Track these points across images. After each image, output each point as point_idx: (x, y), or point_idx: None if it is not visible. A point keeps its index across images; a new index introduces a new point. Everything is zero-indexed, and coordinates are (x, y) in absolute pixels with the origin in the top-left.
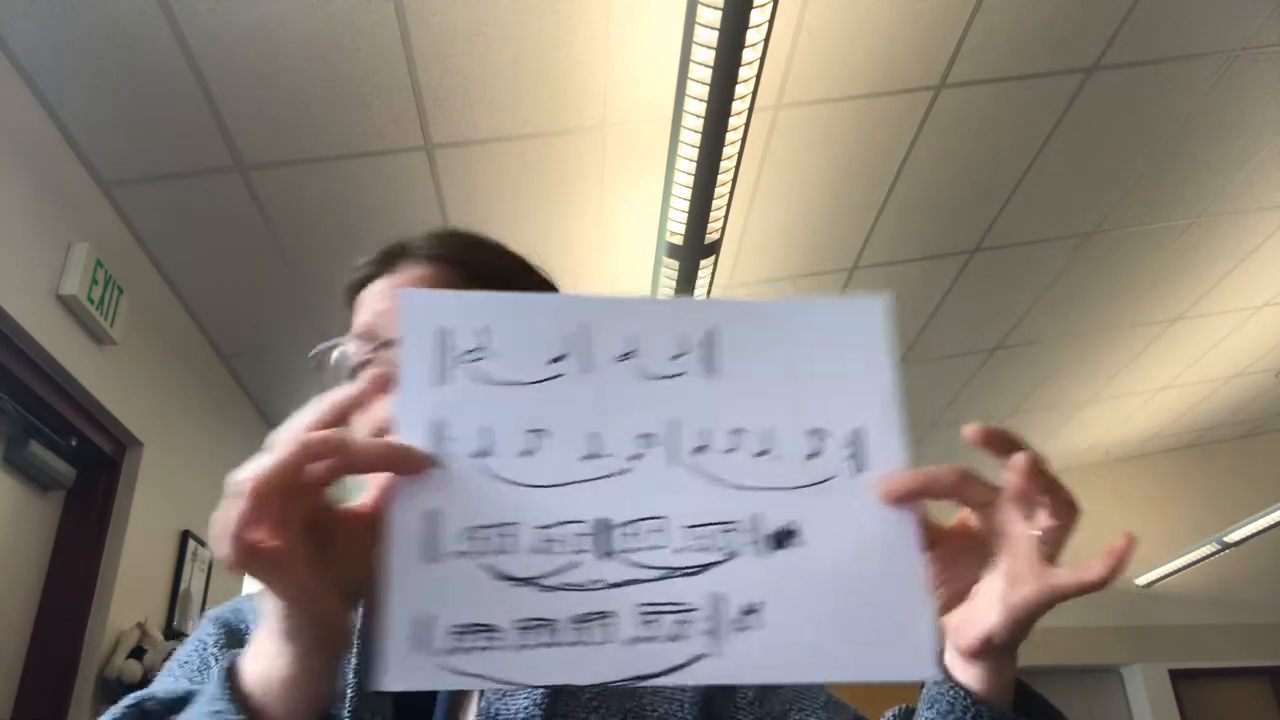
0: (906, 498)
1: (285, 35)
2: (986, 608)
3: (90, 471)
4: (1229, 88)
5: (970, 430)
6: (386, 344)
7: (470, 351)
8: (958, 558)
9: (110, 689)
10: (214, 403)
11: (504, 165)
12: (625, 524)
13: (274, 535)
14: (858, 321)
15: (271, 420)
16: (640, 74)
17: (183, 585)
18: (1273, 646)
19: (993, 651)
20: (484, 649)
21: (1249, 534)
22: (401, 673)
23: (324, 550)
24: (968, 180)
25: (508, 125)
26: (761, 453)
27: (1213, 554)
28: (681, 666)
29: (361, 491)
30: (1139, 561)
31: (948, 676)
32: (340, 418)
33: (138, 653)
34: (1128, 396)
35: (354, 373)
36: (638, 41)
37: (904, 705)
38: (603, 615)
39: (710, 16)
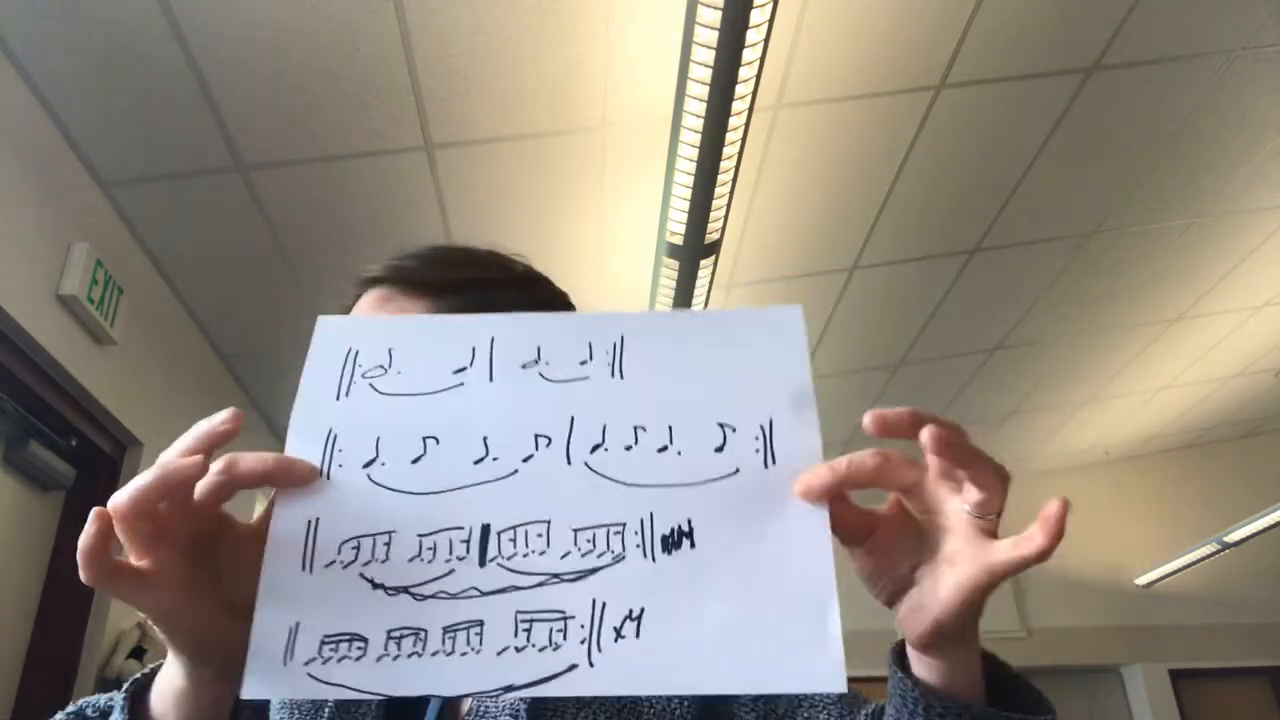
0: (826, 493)
1: (285, 35)
2: (930, 594)
3: (90, 471)
4: (1229, 88)
5: (868, 419)
6: None
7: (374, 368)
8: (894, 545)
9: (110, 689)
10: (214, 403)
11: (504, 165)
12: (507, 529)
13: (140, 556)
14: (773, 328)
15: (271, 420)
16: (640, 74)
17: None
18: (1273, 646)
19: (946, 639)
20: (352, 659)
21: (1249, 534)
22: (265, 682)
23: (212, 566)
24: (968, 180)
25: (508, 125)
26: (663, 448)
27: (1213, 554)
28: (553, 677)
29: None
30: (1139, 561)
31: (904, 670)
32: (206, 446)
33: (138, 653)
34: (1128, 396)
35: None
36: (638, 41)
37: (879, 703)
38: (473, 624)
39: (710, 16)
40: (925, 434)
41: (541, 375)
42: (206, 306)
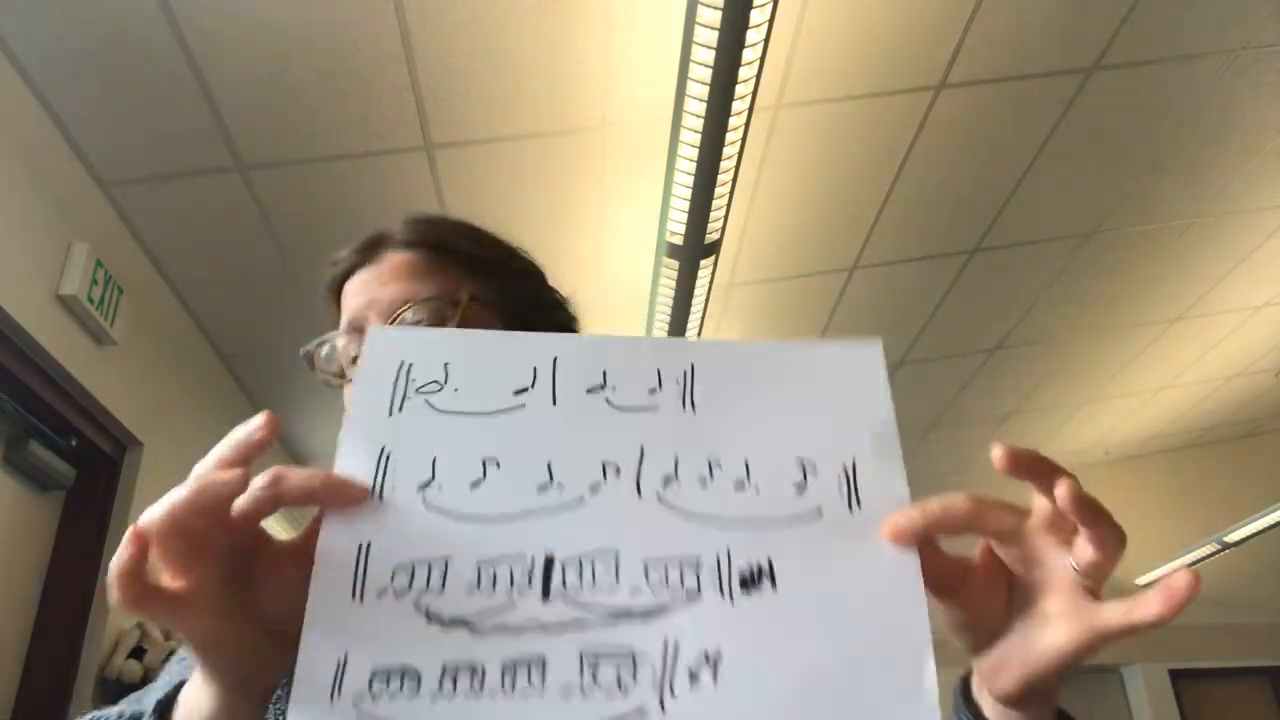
0: (916, 536)
1: (285, 35)
2: (1024, 650)
3: (90, 471)
4: (1229, 88)
5: (999, 455)
6: None
7: (430, 383)
8: (988, 598)
9: (110, 689)
10: (214, 403)
11: (504, 165)
12: (572, 560)
13: (175, 577)
14: (852, 363)
15: None
16: (640, 74)
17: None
18: (1273, 646)
19: (1034, 696)
20: (405, 695)
21: (1249, 534)
22: (311, 717)
23: (250, 587)
24: (968, 180)
25: (508, 125)
26: (740, 485)
27: (1213, 554)
28: None
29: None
30: (1139, 561)
31: (975, 715)
32: (243, 457)
33: (138, 653)
34: (1128, 396)
35: (345, 368)
36: (638, 41)
37: None
38: (535, 661)
39: (710, 16)
40: (1062, 488)
41: (608, 401)
42: (206, 306)
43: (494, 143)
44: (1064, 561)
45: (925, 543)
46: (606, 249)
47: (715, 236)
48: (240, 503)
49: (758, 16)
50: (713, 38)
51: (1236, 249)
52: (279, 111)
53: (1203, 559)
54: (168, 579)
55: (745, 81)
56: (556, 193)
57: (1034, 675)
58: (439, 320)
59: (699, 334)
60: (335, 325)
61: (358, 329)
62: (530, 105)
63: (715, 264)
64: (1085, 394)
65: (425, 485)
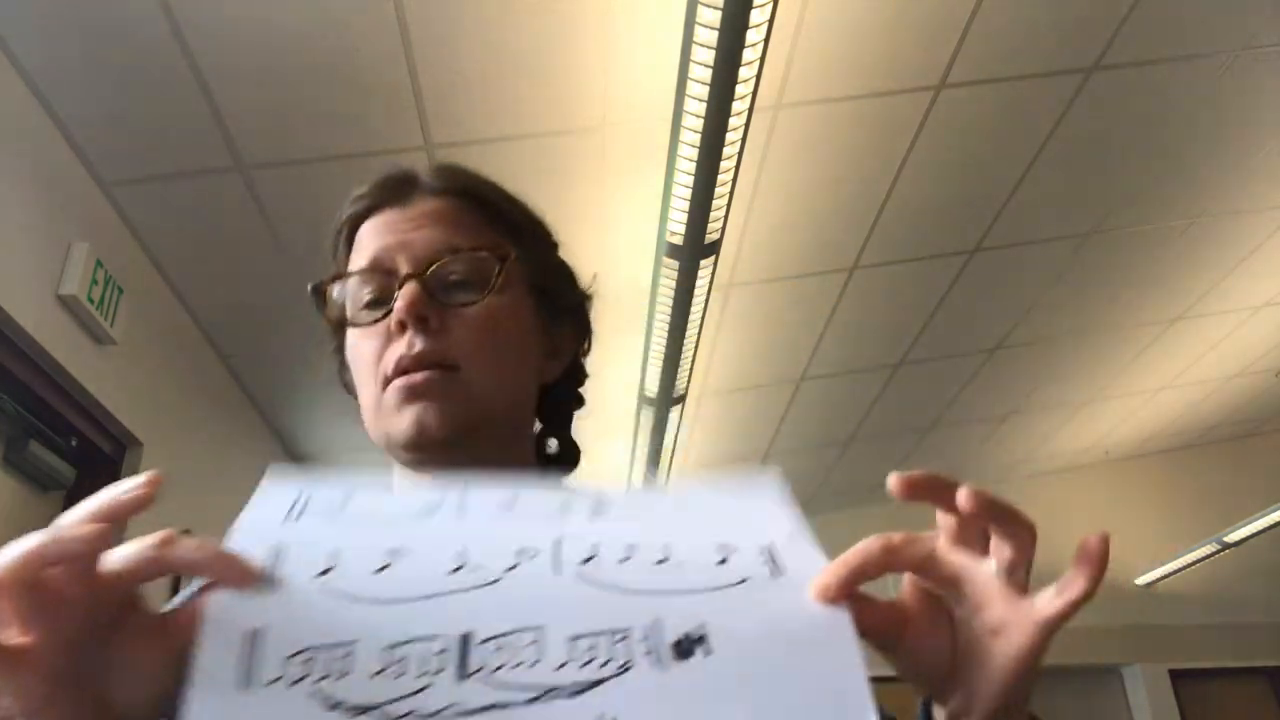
0: (843, 588)
1: (285, 35)
2: (983, 674)
3: (90, 471)
4: (1229, 88)
5: (894, 483)
6: (407, 278)
7: (331, 507)
8: (931, 636)
9: None
10: (214, 403)
11: (504, 165)
12: (492, 638)
13: (17, 632)
14: (754, 488)
15: (271, 420)
16: (640, 74)
17: (183, 586)
18: (1272, 646)
19: (1009, 712)
20: None
21: (1248, 534)
22: None
23: (101, 659)
24: (968, 180)
25: (508, 125)
26: (661, 562)
27: (1212, 554)
28: None
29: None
30: (1139, 561)
31: None
32: (112, 513)
33: None
34: (1128, 396)
35: (360, 310)
36: (638, 41)
37: None
38: None
39: (710, 16)
40: (962, 495)
41: (519, 513)
42: (206, 306)
43: (494, 143)
44: (986, 568)
45: (855, 597)
46: (606, 249)
47: (715, 236)
48: (114, 561)
49: (758, 16)
50: (713, 38)
51: (1236, 249)
52: (279, 111)
53: (1203, 559)
54: (9, 633)
55: (745, 81)
56: (556, 193)
57: (1001, 694)
58: (480, 277)
59: (699, 334)
60: (342, 264)
61: (381, 269)
62: (530, 105)
63: (715, 264)
64: (1085, 394)
65: (324, 573)
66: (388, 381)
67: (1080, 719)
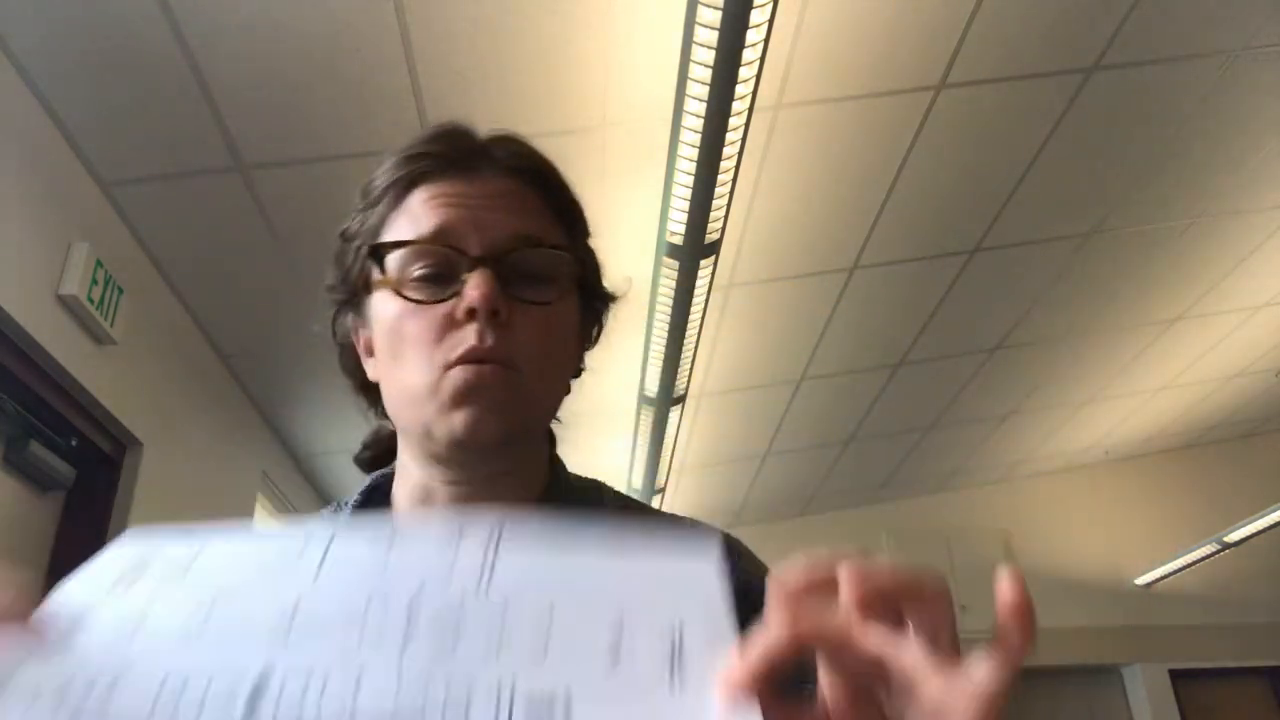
0: (753, 680)
1: (285, 35)
2: None
3: (90, 471)
4: (1229, 88)
5: (773, 589)
6: (479, 262)
7: (176, 561)
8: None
9: None
10: (214, 403)
11: None
12: (296, 674)
13: None
14: (686, 547)
15: (271, 420)
16: (640, 74)
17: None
18: (1273, 646)
19: None
20: None
21: (1249, 534)
22: None
23: None
24: (968, 180)
25: (508, 125)
26: (535, 623)
27: (1213, 554)
28: None
29: None
30: (1138, 561)
31: None
32: None
33: None
34: (1128, 396)
35: (412, 282)
36: (638, 41)
37: None
38: None
39: (710, 16)
40: (847, 585)
41: (390, 566)
42: (206, 306)
43: None
44: (908, 644)
45: (764, 695)
46: (606, 249)
47: (715, 236)
48: None
49: (758, 16)
50: (713, 38)
51: (1236, 249)
52: (279, 111)
53: (1203, 559)
54: None
55: (745, 81)
56: None
57: None
58: (550, 274)
59: (698, 334)
60: (380, 220)
61: (446, 244)
62: (530, 105)
63: (715, 264)
64: (1085, 394)
65: (123, 635)
66: (448, 368)
67: (1080, 719)
